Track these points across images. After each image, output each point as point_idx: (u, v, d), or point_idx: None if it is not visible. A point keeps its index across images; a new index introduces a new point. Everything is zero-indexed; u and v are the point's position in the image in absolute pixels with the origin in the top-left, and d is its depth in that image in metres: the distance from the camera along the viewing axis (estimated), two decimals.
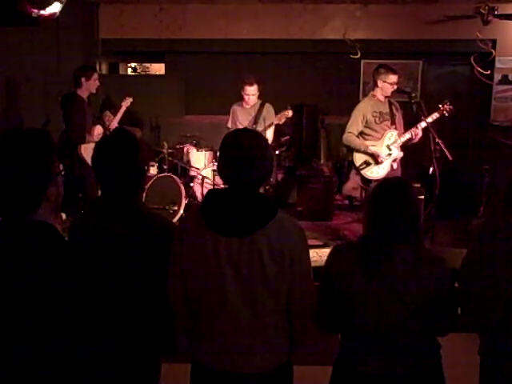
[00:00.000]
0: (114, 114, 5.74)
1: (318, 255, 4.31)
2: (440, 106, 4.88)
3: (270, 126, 5.50)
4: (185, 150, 6.69)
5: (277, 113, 5.62)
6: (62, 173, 1.77)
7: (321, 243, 4.74)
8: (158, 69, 10.44)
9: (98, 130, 5.50)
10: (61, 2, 4.33)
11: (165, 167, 6.30)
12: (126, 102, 5.76)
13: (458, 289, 2.13)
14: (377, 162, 4.86)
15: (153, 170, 6.27)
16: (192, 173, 6.32)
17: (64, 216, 4.95)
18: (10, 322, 1.52)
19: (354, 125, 4.88)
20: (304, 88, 7.83)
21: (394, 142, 4.87)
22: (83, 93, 5.31)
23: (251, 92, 5.52)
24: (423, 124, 4.84)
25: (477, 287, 2.10)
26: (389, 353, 1.99)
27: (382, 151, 4.84)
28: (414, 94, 5.09)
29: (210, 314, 1.95)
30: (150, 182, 5.77)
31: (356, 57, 7.07)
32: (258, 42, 7.72)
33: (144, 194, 5.70)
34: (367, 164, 4.89)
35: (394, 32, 7.63)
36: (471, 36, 7.06)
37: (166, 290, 2.02)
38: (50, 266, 1.55)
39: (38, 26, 4.57)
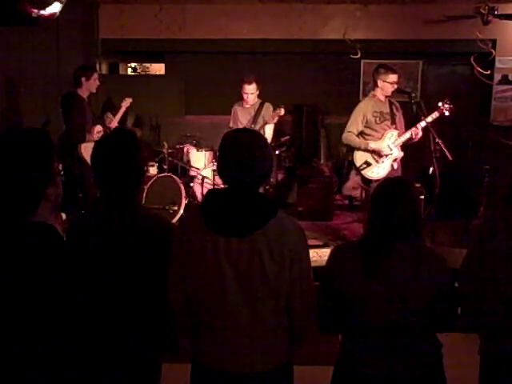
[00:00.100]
0: (115, 115, 5.74)
1: (318, 255, 4.31)
2: (440, 105, 4.88)
3: (263, 125, 5.49)
4: (185, 149, 6.69)
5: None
6: (61, 173, 1.77)
7: (321, 243, 4.74)
8: (158, 69, 10.44)
9: (98, 130, 5.50)
10: (61, 2, 4.32)
11: (165, 167, 6.30)
12: (126, 103, 5.77)
13: (457, 289, 2.14)
14: (377, 162, 4.85)
15: (153, 170, 6.28)
16: (192, 173, 6.33)
17: (64, 216, 4.94)
18: (8, 322, 1.52)
19: (354, 124, 4.88)
20: (304, 88, 7.83)
21: (395, 141, 4.87)
22: (83, 92, 5.31)
23: (250, 90, 5.52)
24: (423, 123, 4.84)
25: (477, 287, 2.10)
26: (390, 352, 1.99)
27: (383, 147, 4.84)
28: (413, 94, 5.09)
29: (210, 314, 1.95)
30: (149, 182, 5.77)
31: (356, 57, 7.07)
32: (258, 41, 7.72)
33: (144, 194, 5.71)
34: (368, 164, 4.89)
35: (393, 32, 7.63)
36: (471, 36, 7.06)
37: (166, 289, 2.02)
38: (49, 266, 1.55)
39: (37, 26, 4.56)
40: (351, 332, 2.06)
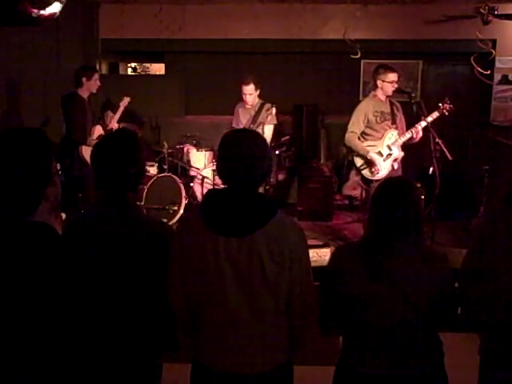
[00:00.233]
0: (115, 114, 5.74)
1: (318, 255, 4.30)
2: (440, 104, 4.89)
3: (258, 125, 5.49)
4: (185, 149, 6.69)
5: (277, 112, 5.62)
6: (59, 172, 1.77)
7: (321, 243, 4.73)
8: (158, 69, 10.44)
9: (99, 131, 5.50)
10: (61, 2, 4.32)
11: (165, 167, 6.29)
12: (124, 102, 5.76)
13: (457, 289, 2.14)
14: (371, 169, 4.85)
15: (153, 170, 6.27)
16: (192, 173, 6.33)
17: (64, 216, 4.94)
18: (7, 322, 1.52)
19: (356, 124, 4.88)
20: (304, 88, 7.83)
21: (395, 141, 4.87)
22: (84, 93, 5.31)
23: (247, 91, 5.52)
24: (423, 123, 4.84)
25: (477, 287, 2.10)
26: (392, 352, 1.99)
27: (383, 153, 4.83)
28: (413, 94, 5.10)
29: (210, 314, 1.95)
30: (149, 182, 5.77)
31: (356, 57, 7.06)
32: (258, 41, 7.71)
33: (144, 194, 5.71)
34: (368, 164, 4.89)
35: (393, 32, 7.63)
36: (471, 36, 7.06)
37: (165, 289, 2.02)
38: (48, 266, 1.55)
39: (37, 26, 4.56)
40: (353, 333, 2.06)
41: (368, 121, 4.87)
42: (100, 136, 5.38)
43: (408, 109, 5.05)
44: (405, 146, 4.94)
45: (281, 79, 7.74)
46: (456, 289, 2.12)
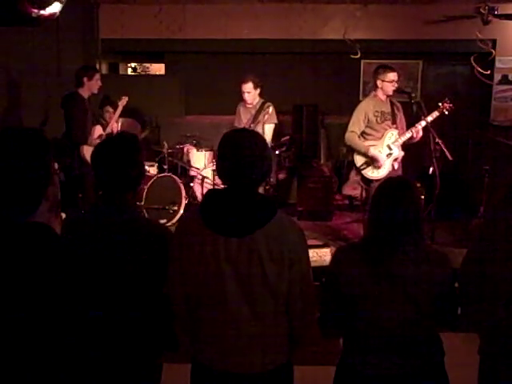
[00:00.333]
0: (114, 110, 5.73)
1: (318, 255, 4.30)
2: (440, 104, 4.90)
3: (257, 124, 5.49)
4: (185, 149, 6.69)
5: (277, 112, 5.62)
6: (58, 172, 1.77)
7: (321, 243, 4.73)
8: (158, 69, 10.44)
9: (99, 131, 5.50)
10: (61, 2, 4.32)
11: (165, 167, 6.30)
12: (123, 102, 5.76)
13: (457, 289, 2.14)
14: (375, 166, 4.86)
15: (153, 170, 6.27)
16: (192, 173, 6.33)
17: (64, 216, 4.94)
18: (5, 323, 1.52)
19: (356, 124, 4.89)
20: (304, 88, 7.83)
21: (395, 141, 4.87)
22: (85, 93, 5.30)
23: (246, 89, 5.51)
24: (423, 123, 4.85)
25: (477, 287, 2.10)
26: (392, 352, 1.99)
27: (383, 153, 4.84)
28: (413, 94, 5.11)
29: (210, 314, 1.95)
30: (149, 182, 5.77)
31: (356, 57, 7.06)
32: (258, 41, 7.72)
33: (144, 194, 5.71)
34: (368, 164, 4.89)
35: (393, 32, 7.63)
36: (471, 36, 7.06)
37: (165, 289, 2.02)
38: (46, 267, 1.55)
39: (38, 26, 4.56)
40: (354, 333, 2.06)
41: (368, 120, 4.87)
42: (100, 136, 5.38)
43: (408, 109, 5.05)
44: (405, 146, 4.94)
45: (281, 79, 7.74)
46: (456, 289, 2.12)
